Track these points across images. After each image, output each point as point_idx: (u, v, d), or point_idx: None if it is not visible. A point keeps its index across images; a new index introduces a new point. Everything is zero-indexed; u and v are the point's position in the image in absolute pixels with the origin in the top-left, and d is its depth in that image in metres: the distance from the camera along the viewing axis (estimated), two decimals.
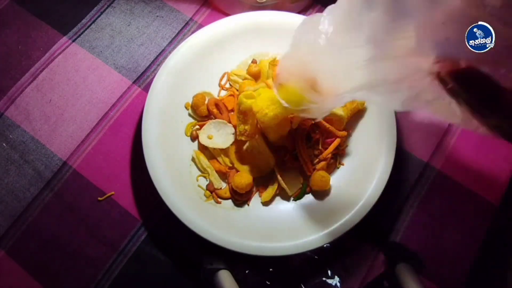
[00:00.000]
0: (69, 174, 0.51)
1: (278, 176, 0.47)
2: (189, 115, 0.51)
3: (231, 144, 0.48)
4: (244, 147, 0.48)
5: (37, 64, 0.56)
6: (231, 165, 0.49)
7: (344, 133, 0.48)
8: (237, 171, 0.48)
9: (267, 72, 0.51)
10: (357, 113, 0.49)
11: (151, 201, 0.49)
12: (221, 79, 0.53)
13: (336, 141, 0.48)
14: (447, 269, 0.47)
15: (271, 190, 0.47)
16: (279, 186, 0.47)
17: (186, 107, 0.51)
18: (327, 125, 0.47)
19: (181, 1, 0.59)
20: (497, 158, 0.51)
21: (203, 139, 0.49)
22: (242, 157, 0.49)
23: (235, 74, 0.52)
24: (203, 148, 0.49)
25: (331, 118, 0.47)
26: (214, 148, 0.48)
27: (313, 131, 0.48)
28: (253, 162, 0.48)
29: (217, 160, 0.49)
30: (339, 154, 0.49)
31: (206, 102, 0.50)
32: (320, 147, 0.48)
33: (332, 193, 0.47)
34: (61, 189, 0.50)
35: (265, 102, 0.41)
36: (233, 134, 0.48)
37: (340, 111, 0.46)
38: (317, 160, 0.48)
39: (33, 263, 0.48)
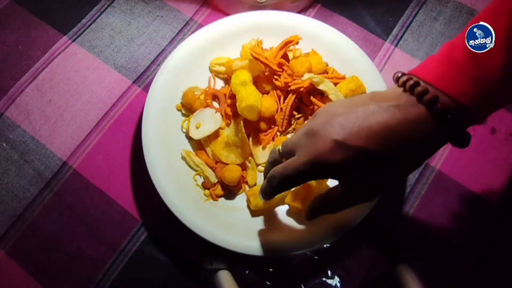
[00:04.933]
0: (69, 174, 0.51)
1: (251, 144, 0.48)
2: (183, 114, 0.51)
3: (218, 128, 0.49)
4: (226, 133, 0.49)
5: (37, 64, 0.56)
6: (217, 159, 0.49)
7: None
8: (224, 164, 0.48)
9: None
10: None
11: (151, 201, 0.49)
12: (210, 81, 0.53)
13: None
14: (447, 269, 0.47)
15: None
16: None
17: (177, 109, 0.51)
18: (319, 103, 0.47)
19: (181, 0, 0.59)
20: (497, 158, 0.51)
21: (193, 132, 0.48)
22: (221, 142, 0.49)
23: (216, 64, 0.52)
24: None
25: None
26: (206, 139, 0.49)
27: (305, 105, 0.49)
28: (231, 148, 0.48)
29: (205, 151, 0.49)
30: None
31: (197, 93, 0.51)
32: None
33: None
34: (61, 189, 0.50)
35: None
36: (219, 122, 0.48)
37: (339, 94, 0.46)
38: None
39: (33, 263, 0.48)
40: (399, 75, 0.33)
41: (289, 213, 0.47)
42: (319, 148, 0.32)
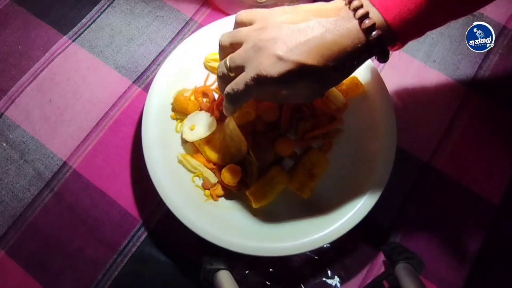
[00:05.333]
0: (69, 174, 0.51)
1: (250, 152, 0.47)
2: (175, 118, 0.50)
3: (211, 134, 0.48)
4: (217, 136, 0.48)
5: (37, 64, 0.56)
6: (212, 161, 0.48)
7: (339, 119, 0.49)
8: (223, 166, 0.48)
9: None
10: (357, 112, 0.49)
11: (151, 201, 0.49)
12: (206, 79, 0.53)
13: (335, 123, 0.49)
14: (447, 269, 0.47)
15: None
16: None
17: (172, 118, 0.50)
18: (319, 105, 0.48)
19: (181, 0, 0.59)
20: (497, 158, 0.51)
21: (186, 134, 0.48)
22: (214, 146, 0.48)
23: (211, 60, 0.52)
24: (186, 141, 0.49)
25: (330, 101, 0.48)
26: (199, 143, 0.48)
27: (305, 106, 0.49)
28: (225, 150, 0.48)
29: (202, 154, 0.49)
30: (331, 135, 0.50)
31: (187, 94, 0.50)
32: (311, 120, 0.49)
33: (332, 193, 0.47)
34: (61, 189, 0.50)
35: None
36: (214, 126, 0.48)
37: (338, 95, 0.47)
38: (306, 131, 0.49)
39: (33, 263, 0.48)
40: None
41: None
42: (262, 62, 0.35)
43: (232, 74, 0.38)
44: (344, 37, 0.34)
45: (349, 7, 0.34)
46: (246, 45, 0.37)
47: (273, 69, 0.34)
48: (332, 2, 0.37)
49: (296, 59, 0.34)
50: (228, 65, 0.38)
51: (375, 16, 0.33)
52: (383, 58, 0.36)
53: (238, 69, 0.37)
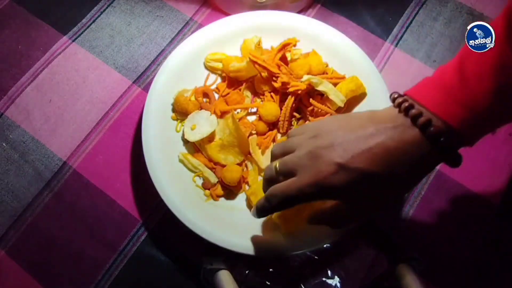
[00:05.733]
0: (69, 174, 0.51)
1: (251, 150, 0.47)
2: (175, 119, 0.50)
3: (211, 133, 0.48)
4: (219, 136, 0.48)
5: (37, 64, 0.56)
6: (215, 161, 0.48)
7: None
8: (223, 166, 0.48)
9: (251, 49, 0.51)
10: (357, 112, 0.49)
11: (151, 201, 0.49)
12: (206, 79, 0.53)
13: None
14: (447, 270, 0.47)
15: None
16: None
17: (172, 119, 0.50)
18: (318, 105, 0.47)
19: (181, 0, 0.59)
20: (497, 158, 0.51)
21: (188, 134, 0.48)
22: (215, 144, 0.48)
23: (211, 60, 0.52)
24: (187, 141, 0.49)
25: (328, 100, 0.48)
26: (200, 143, 0.48)
27: (305, 105, 0.49)
28: (227, 148, 0.48)
29: (202, 154, 0.49)
30: None
31: (187, 95, 0.50)
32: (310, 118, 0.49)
33: None
34: (61, 189, 0.50)
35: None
36: (215, 124, 0.48)
37: (339, 95, 0.47)
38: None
39: (33, 263, 0.48)
40: (395, 96, 0.35)
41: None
42: (323, 171, 0.33)
43: (281, 179, 0.36)
44: (408, 144, 0.32)
45: (406, 115, 0.32)
46: (299, 151, 0.35)
47: (336, 178, 0.33)
48: (384, 109, 0.35)
49: (359, 166, 0.32)
50: (278, 169, 0.36)
51: (439, 123, 0.31)
52: (455, 163, 0.33)
53: (289, 174, 0.36)
